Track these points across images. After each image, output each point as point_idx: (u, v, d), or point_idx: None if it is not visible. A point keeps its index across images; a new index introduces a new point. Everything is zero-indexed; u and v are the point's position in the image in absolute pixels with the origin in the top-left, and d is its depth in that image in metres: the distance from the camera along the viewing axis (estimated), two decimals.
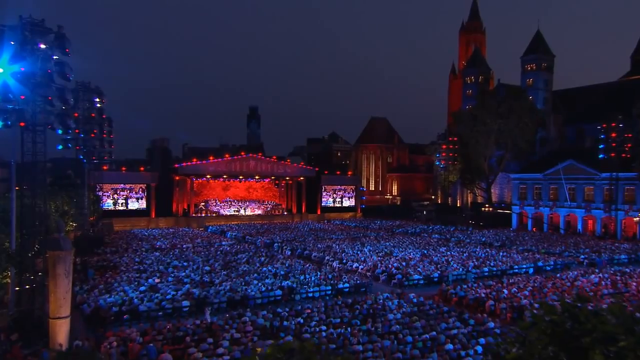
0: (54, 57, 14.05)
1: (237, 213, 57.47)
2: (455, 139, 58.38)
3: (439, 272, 24.74)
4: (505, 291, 19.44)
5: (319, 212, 62.74)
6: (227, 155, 56.46)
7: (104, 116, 27.58)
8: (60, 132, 16.59)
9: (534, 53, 67.01)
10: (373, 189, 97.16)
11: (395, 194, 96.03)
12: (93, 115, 24.46)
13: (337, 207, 65.25)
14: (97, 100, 25.29)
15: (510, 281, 21.51)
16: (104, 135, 28.18)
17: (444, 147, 57.49)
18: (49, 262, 10.69)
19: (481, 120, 57.26)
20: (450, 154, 57.04)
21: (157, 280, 21.96)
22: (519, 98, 58.59)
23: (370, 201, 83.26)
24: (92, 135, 29.72)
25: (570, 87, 73.98)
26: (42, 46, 12.87)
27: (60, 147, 22.82)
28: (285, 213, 61.05)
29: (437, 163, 60.91)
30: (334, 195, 65.38)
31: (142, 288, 20.34)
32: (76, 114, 19.27)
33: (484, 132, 56.57)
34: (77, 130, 22.17)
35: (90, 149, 26.39)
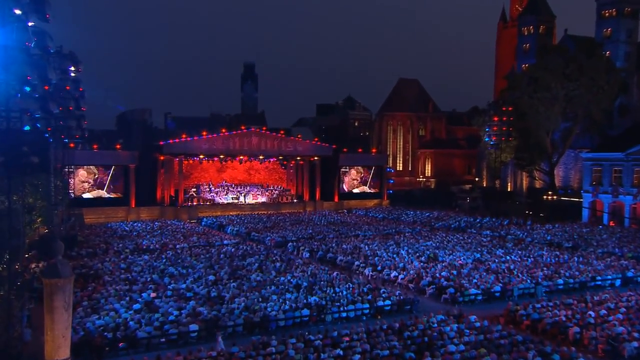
0: (29, 24, 13.63)
1: (236, 201, 57.61)
2: (510, 108, 57.34)
3: (500, 284, 24.56)
4: (592, 313, 19.20)
5: (336, 200, 62.70)
6: (223, 130, 56.16)
7: (80, 89, 27.25)
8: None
9: None
10: (401, 168, 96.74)
11: (429, 175, 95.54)
12: (68, 88, 24.19)
13: (358, 193, 65.11)
14: (72, 69, 24.91)
15: (595, 298, 21.24)
16: (81, 110, 27.92)
17: (495, 119, 56.56)
18: (45, 293, 10.62)
19: (543, 84, 56.00)
20: (504, 128, 56.16)
21: (152, 295, 22.06)
22: (592, 54, 57.02)
23: (398, 184, 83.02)
24: (61, 108, 29.41)
25: None
26: (17, 12, 12.43)
27: (27, 127, 22.57)
28: (295, 201, 61.10)
29: (487, 139, 60.14)
30: (355, 178, 65.14)
31: (137, 306, 20.44)
32: (46, 87, 18.91)
33: (547, 100, 55.40)
34: None
35: (64, 128, 26.22)
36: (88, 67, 27.95)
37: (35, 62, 13.45)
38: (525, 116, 57.02)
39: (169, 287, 23.43)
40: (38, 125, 22.82)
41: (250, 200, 58.53)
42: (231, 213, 54.26)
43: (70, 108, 25.46)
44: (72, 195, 48.95)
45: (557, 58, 57.54)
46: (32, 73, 13.16)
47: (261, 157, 58.08)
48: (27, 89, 15.80)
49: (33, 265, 27.87)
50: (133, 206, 52.31)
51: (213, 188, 59.02)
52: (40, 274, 26.53)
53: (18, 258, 17.49)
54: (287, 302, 21.33)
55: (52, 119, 21.47)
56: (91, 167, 51.65)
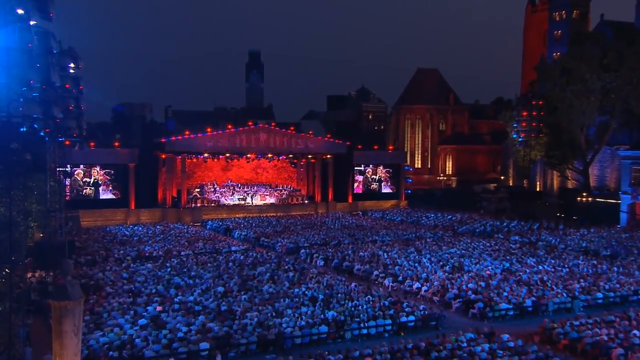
0: (30, 23, 13.73)
1: (242, 202, 57.84)
2: (540, 102, 56.88)
3: (533, 297, 24.41)
4: (637, 332, 19.01)
5: (350, 200, 62.81)
6: (229, 127, 56.35)
7: (81, 87, 27.48)
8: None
9: None
10: (420, 166, 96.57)
11: (450, 173, 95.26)
12: (67, 86, 24.41)
13: (374, 193, 65.08)
14: (72, 66, 25.12)
15: None
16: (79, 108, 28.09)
17: (524, 113, 56.14)
18: (53, 317, 10.76)
19: (577, 75, 55.52)
20: (533, 124, 55.77)
21: (159, 309, 22.21)
22: (632, 42, 56.33)
23: (416, 183, 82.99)
24: (58, 106, 29.61)
25: None
26: (20, 12, 12.54)
27: (24, 129, 22.77)
28: (306, 202, 61.25)
29: (514, 136, 59.77)
30: (369, 177, 65.13)
31: (142, 321, 20.58)
32: (47, 88, 19.05)
33: (581, 92, 54.91)
34: None
35: (63, 129, 26.47)
36: (86, 63, 28.03)
37: (38, 65, 13.57)
38: (557, 110, 56.58)
39: (175, 299, 23.57)
40: (35, 125, 22.95)
41: (257, 201, 58.73)
42: (238, 215, 54.47)
43: (70, 107, 25.73)
44: (68, 197, 49.38)
45: (593, 46, 57.01)
46: (34, 76, 13.29)
47: (270, 155, 58.18)
48: (26, 89, 15.95)
49: (29, 275, 28.19)
50: (133, 208, 52.65)
51: (218, 188, 59.26)
52: (37, 286, 26.94)
53: (19, 271, 17.68)
54: (303, 317, 21.38)
55: (51, 120, 21.67)
56: (88, 166, 52.01)
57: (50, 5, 13.48)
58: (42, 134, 32.21)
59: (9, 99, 13.25)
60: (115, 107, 72.47)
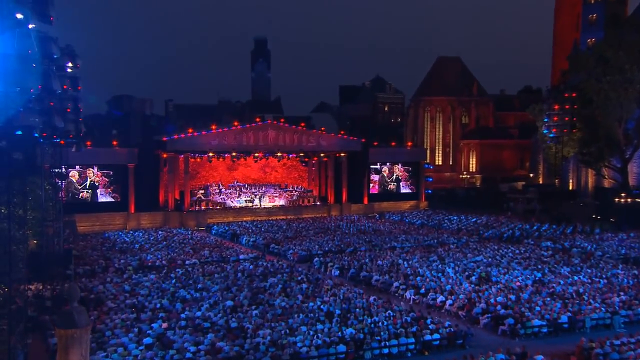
0: (29, 26, 13.89)
1: (250, 205, 58.07)
2: (573, 94, 56.45)
3: (569, 312, 24.27)
4: None
5: (365, 202, 62.91)
6: (235, 123, 56.56)
7: (79, 87, 27.74)
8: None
9: None
10: (440, 163, 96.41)
11: (474, 170, 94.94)
12: (65, 87, 24.62)
13: (391, 193, 65.05)
14: (69, 65, 25.36)
15: None
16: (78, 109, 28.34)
17: (555, 107, 55.73)
18: (59, 345, 10.96)
19: (614, 64, 55.06)
20: (566, 119, 55.38)
21: (164, 326, 22.39)
22: None
23: (437, 181, 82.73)
24: (58, 115, 29.78)
25: None
26: (19, 16, 12.71)
27: (19, 132, 23.06)
28: (318, 203, 61.41)
29: (545, 131, 59.40)
30: (386, 176, 65.11)
31: (148, 340, 20.75)
32: (39, 86, 19.23)
33: (619, 83, 54.46)
34: None
35: (60, 132, 26.76)
36: (83, 59, 28.26)
37: (38, 72, 13.74)
38: (592, 103, 56.20)
39: (182, 315, 23.74)
40: (33, 130, 23.23)
41: (266, 203, 58.91)
42: (245, 219, 54.79)
43: (68, 110, 26.01)
44: (64, 201, 49.73)
45: (631, 32, 56.43)
46: (34, 84, 13.46)
47: (279, 153, 58.31)
48: (26, 99, 16.11)
49: (23, 287, 28.53)
50: (132, 212, 53.09)
51: (223, 189, 59.56)
52: (34, 300, 27.27)
53: (16, 286, 17.93)
54: (319, 334, 21.43)
55: (48, 126, 21.92)
56: (84, 167, 52.40)
57: (50, 8, 13.62)
58: (36, 135, 32.61)
59: (7, 107, 13.43)
60: (113, 112, 72.91)
